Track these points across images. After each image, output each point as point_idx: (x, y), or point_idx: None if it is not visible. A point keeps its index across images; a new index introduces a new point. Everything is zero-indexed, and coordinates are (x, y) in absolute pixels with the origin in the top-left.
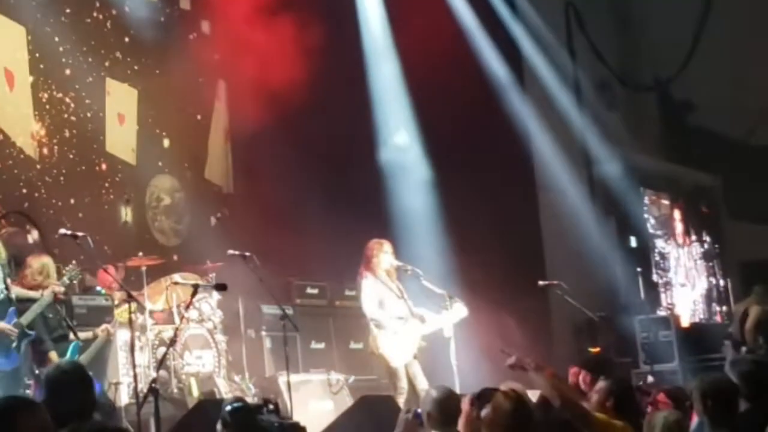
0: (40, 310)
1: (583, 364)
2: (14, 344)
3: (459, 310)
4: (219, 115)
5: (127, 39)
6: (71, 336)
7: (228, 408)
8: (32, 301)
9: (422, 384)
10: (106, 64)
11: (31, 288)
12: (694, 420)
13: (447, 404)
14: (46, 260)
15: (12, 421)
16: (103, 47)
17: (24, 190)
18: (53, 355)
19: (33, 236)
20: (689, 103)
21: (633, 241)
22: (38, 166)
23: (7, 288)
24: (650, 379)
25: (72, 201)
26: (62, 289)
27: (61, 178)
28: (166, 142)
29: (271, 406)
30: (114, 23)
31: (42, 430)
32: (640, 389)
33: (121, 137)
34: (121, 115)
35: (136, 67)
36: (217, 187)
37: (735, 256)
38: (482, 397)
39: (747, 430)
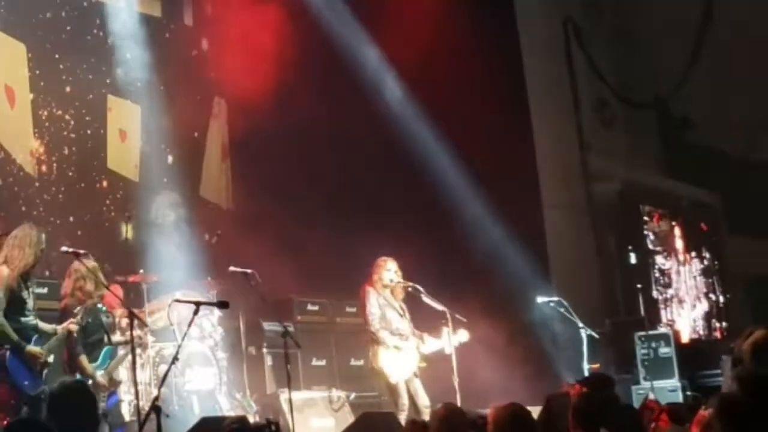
0: (56, 347)
1: (584, 382)
2: (37, 369)
3: (461, 335)
4: (215, 133)
5: (129, 55)
6: (106, 340)
7: (227, 429)
8: (48, 334)
9: (423, 400)
10: (108, 81)
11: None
12: None
13: (453, 421)
14: (93, 263)
15: None
16: (104, 64)
17: (23, 208)
18: (83, 359)
19: None
20: (688, 120)
21: (633, 258)
22: (37, 184)
23: (35, 314)
24: (651, 396)
25: (71, 219)
26: (76, 327)
27: (60, 196)
28: (170, 159)
29: (273, 427)
30: (115, 40)
31: None
32: (645, 406)
33: (123, 154)
34: (122, 131)
35: (139, 84)
36: (212, 205)
37: (735, 272)
38: None
39: None
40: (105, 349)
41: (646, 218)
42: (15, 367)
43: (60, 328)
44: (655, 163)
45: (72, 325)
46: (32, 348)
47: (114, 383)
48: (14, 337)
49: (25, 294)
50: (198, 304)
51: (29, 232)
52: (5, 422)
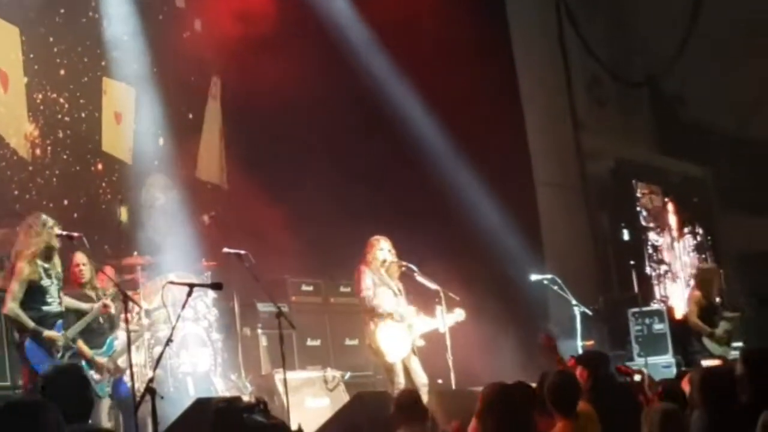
0: (87, 323)
1: (579, 360)
2: (59, 354)
3: (457, 314)
4: (212, 114)
5: (124, 38)
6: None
7: (214, 408)
8: (80, 312)
9: (422, 378)
10: (102, 63)
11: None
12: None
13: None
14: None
15: (35, 416)
16: (99, 47)
17: (16, 192)
18: (80, 344)
19: None
20: (680, 97)
21: (626, 234)
22: (30, 168)
23: (60, 301)
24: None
25: (65, 202)
26: (111, 303)
27: (54, 180)
28: (161, 141)
29: (262, 406)
30: (110, 22)
31: (59, 426)
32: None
33: (118, 136)
34: (117, 114)
35: (134, 66)
36: (209, 186)
37: (727, 248)
38: None
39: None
40: (110, 337)
41: (638, 194)
42: (33, 351)
43: (96, 307)
44: (647, 140)
45: (105, 300)
46: (49, 333)
47: (119, 370)
48: (30, 325)
49: (46, 282)
50: (192, 285)
51: (30, 221)
52: None
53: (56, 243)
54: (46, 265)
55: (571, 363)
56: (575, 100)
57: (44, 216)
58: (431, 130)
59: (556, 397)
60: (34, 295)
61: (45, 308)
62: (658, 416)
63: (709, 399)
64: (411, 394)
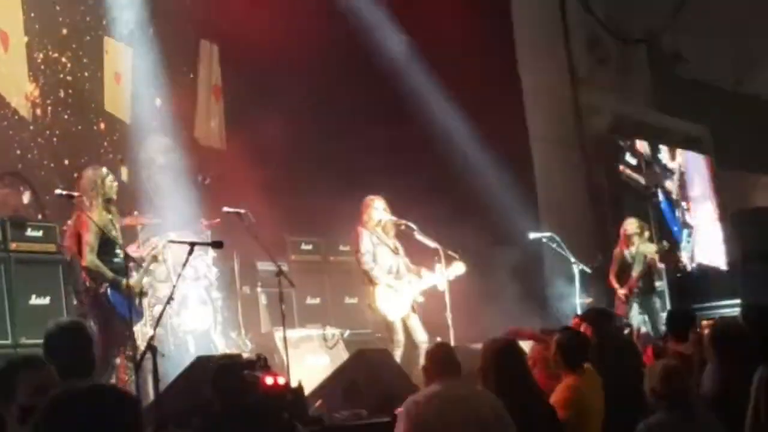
0: (146, 273)
1: (583, 317)
2: (137, 301)
3: (457, 267)
4: (208, 74)
5: None
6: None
7: (215, 365)
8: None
9: (421, 336)
10: (104, 22)
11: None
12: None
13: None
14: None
15: (12, 378)
16: (100, 6)
17: (18, 152)
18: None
19: (26, 197)
20: (679, 54)
21: None
22: (31, 128)
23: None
24: (643, 329)
25: (66, 162)
26: (160, 256)
27: (54, 139)
28: (158, 102)
29: (262, 362)
30: None
31: (42, 388)
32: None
33: (119, 96)
34: (117, 74)
35: (131, 26)
36: (207, 147)
37: (724, 205)
38: None
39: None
40: None
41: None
42: (115, 297)
43: (147, 257)
44: (646, 97)
45: (155, 254)
46: (129, 281)
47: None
48: (109, 275)
49: (114, 234)
50: (193, 244)
51: (85, 175)
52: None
53: (115, 194)
54: (110, 216)
55: (575, 322)
56: (574, 57)
57: (103, 168)
58: (428, 87)
59: (565, 352)
60: (105, 246)
61: (117, 261)
62: (660, 371)
63: (721, 353)
64: (443, 347)
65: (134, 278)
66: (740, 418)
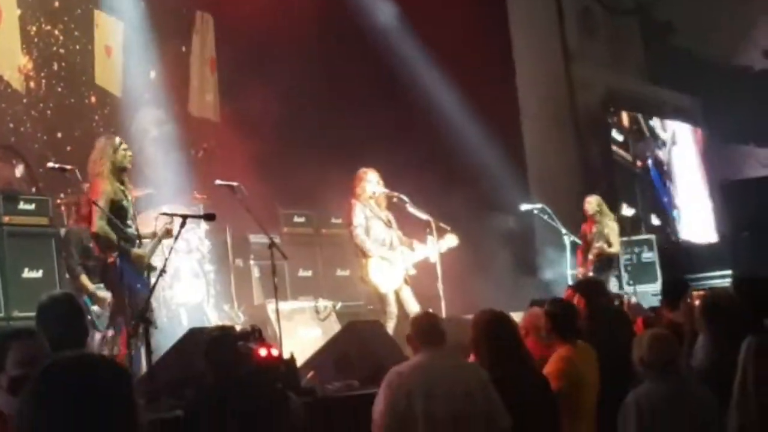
0: (157, 246)
1: (575, 287)
2: (145, 274)
3: (449, 239)
4: (201, 46)
5: None
6: None
7: (208, 337)
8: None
9: (414, 307)
10: None
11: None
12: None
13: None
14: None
15: (1, 349)
16: None
17: (11, 125)
18: (83, 279)
19: (20, 170)
20: (670, 25)
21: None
22: (24, 100)
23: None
24: (633, 300)
25: (59, 135)
26: (174, 229)
27: (48, 112)
28: (152, 74)
29: (256, 334)
30: None
31: (32, 358)
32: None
33: (109, 70)
34: (108, 47)
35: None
36: (201, 119)
37: (714, 177)
38: None
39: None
40: None
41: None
42: (128, 271)
43: (161, 231)
44: (637, 69)
45: (169, 226)
46: (137, 251)
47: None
48: (116, 243)
49: (125, 203)
50: (185, 216)
51: (97, 143)
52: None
53: (129, 164)
54: (122, 187)
55: (568, 293)
56: (566, 29)
57: (117, 138)
58: (420, 61)
59: (558, 322)
60: (116, 215)
61: (129, 231)
62: (648, 340)
63: (713, 324)
64: (429, 317)
65: (143, 249)
66: (732, 389)
